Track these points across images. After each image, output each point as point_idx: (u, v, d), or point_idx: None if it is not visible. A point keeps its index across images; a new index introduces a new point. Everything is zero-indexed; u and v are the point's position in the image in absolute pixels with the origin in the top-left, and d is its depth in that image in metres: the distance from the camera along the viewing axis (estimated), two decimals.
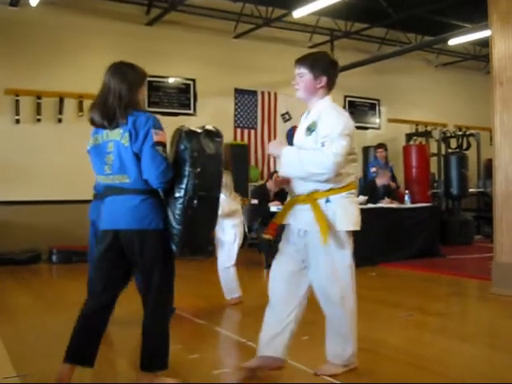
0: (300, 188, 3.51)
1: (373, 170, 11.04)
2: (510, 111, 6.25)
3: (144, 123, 3.11)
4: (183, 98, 11.53)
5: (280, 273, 3.58)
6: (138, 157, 3.10)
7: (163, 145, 3.12)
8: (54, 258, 9.63)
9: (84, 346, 3.23)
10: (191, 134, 3.13)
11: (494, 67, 6.44)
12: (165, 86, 11.32)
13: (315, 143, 3.36)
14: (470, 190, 12.85)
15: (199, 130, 3.18)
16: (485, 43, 7.77)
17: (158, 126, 3.15)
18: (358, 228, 3.48)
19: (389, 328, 4.97)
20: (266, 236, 3.64)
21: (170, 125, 3.32)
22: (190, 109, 11.55)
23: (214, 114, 11.28)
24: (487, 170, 11.97)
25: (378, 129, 14.14)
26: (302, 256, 3.53)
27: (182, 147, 3.11)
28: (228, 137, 11.59)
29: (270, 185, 8.64)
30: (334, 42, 12.95)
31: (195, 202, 3.05)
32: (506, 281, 6.19)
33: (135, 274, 5.04)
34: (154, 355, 3.23)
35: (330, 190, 3.40)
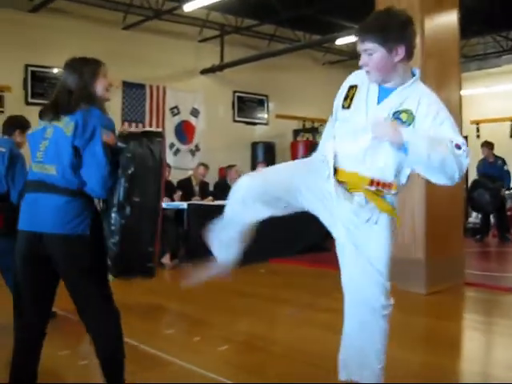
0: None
1: None
2: None
3: (96, 118, 2.76)
4: None
5: None
6: (76, 152, 2.71)
7: (109, 149, 2.74)
8: None
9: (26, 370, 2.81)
10: (127, 136, 2.83)
11: None
12: (50, 77, 10.80)
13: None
14: None
15: (138, 132, 2.94)
16: None
17: (110, 128, 2.80)
18: None
19: (279, 326, 5.02)
20: None
21: None
22: None
23: None
24: None
25: (266, 124, 14.26)
26: None
27: (118, 150, 2.76)
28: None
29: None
30: (224, 37, 12.95)
31: (128, 209, 2.65)
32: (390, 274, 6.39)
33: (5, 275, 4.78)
34: (112, 375, 2.82)
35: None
